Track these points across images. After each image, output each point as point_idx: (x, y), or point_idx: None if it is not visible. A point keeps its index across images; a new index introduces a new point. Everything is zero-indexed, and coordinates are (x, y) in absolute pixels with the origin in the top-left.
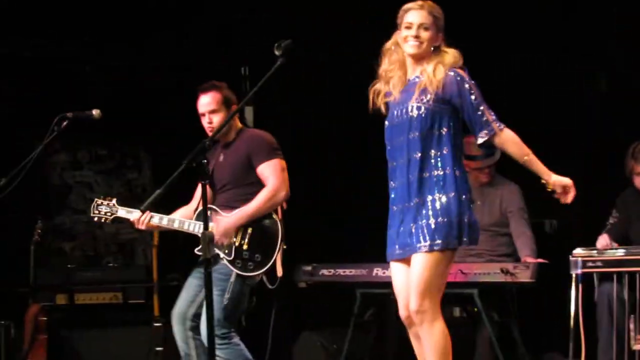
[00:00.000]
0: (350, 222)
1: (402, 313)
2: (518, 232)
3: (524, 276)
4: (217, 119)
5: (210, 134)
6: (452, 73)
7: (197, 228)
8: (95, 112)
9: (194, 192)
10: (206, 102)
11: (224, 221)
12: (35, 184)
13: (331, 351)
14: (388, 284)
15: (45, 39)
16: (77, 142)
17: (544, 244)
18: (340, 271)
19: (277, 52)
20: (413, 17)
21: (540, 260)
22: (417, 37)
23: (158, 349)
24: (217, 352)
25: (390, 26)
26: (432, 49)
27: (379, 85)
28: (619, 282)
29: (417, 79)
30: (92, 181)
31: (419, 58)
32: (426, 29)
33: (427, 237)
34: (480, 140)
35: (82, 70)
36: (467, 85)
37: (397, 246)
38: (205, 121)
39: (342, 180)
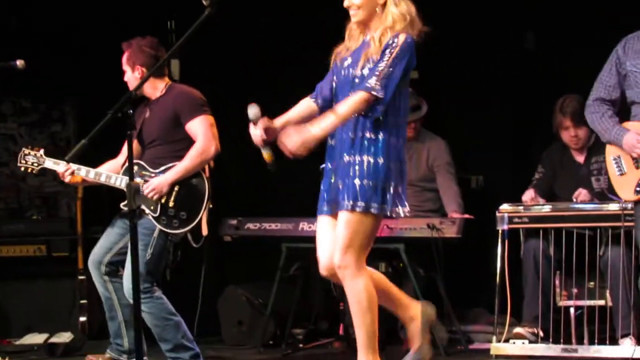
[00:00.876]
0: (277, 176)
1: (322, 271)
2: (444, 186)
3: (450, 231)
4: (126, 77)
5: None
6: (391, 37)
7: (123, 183)
8: (19, 62)
9: (121, 147)
10: (123, 59)
11: (158, 178)
12: None
13: (256, 305)
14: (314, 238)
15: None
16: (0, 93)
17: (470, 200)
18: (266, 225)
19: (204, 2)
20: None
21: (466, 215)
22: (350, 6)
23: (82, 301)
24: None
25: None
26: (379, 8)
27: (341, 46)
28: (545, 239)
29: (367, 42)
30: (16, 133)
31: (365, 23)
32: None
33: (350, 197)
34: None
35: (8, 22)
36: (389, 49)
37: (325, 202)
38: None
39: None
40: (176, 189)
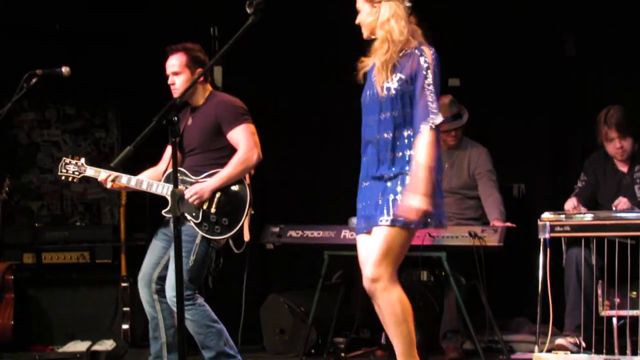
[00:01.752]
0: (320, 183)
1: (366, 284)
2: (486, 194)
3: (492, 240)
4: (179, 81)
5: (174, 95)
6: (417, 51)
7: (165, 190)
8: (65, 69)
9: (161, 154)
10: (171, 63)
11: (200, 184)
12: (3, 142)
13: (298, 313)
14: (356, 246)
15: None
16: (45, 100)
17: (512, 208)
18: (308, 233)
19: (248, 10)
20: None
21: (508, 224)
22: (358, 24)
23: (125, 309)
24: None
25: None
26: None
27: (367, 59)
28: (587, 247)
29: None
30: (60, 140)
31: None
32: (360, 9)
33: (391, 212)
34: (420, 128)
35: (52, 28)
36: (425, 65)
37: (362, 220)
38: (169, 81)
39: (312, 142)
40: (217, 195)
